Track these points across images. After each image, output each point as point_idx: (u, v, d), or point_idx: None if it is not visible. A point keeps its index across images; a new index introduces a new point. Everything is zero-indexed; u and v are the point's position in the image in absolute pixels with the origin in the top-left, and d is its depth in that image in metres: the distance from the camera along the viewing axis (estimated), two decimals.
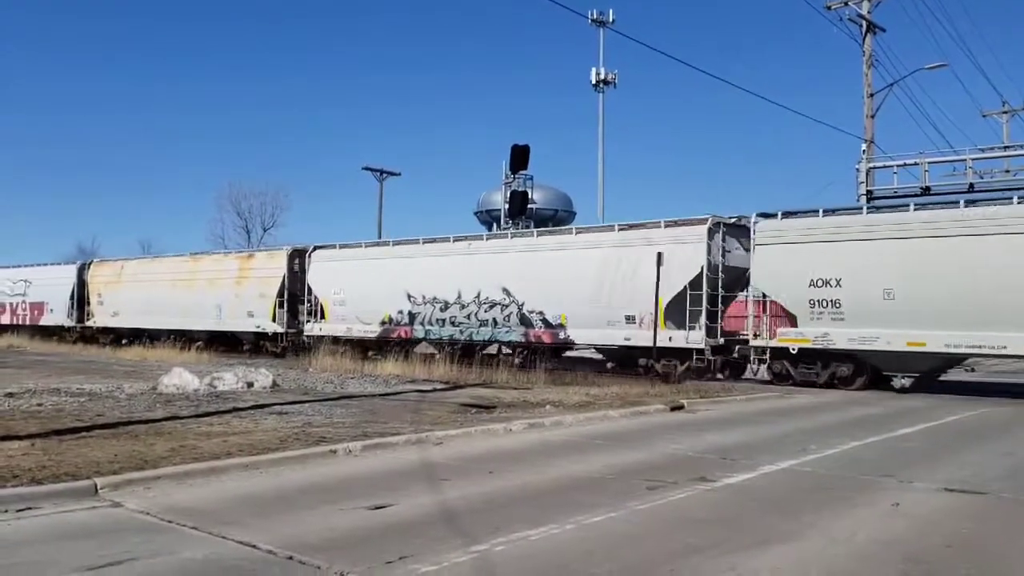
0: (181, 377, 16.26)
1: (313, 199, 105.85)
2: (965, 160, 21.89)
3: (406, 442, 10.49)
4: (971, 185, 21.07)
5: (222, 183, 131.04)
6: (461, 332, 26.31)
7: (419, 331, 27.47)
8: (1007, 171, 21.63)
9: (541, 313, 24.47)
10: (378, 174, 51.54)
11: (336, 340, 29.54)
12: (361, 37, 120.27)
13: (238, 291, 33.45)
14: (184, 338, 32.45)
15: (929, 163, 21.93)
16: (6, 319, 45.99)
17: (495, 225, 38.56)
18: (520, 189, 27.93)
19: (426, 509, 7.08)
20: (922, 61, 30.42)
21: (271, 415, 12.66)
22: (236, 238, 63.95)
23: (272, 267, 32.56)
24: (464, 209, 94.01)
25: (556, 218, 56.71)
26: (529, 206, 29.90)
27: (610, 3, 40.65)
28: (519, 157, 25.91)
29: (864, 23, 29.03)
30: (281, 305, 31.66)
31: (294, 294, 31.77)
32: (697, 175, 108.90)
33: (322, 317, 30.77)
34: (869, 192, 22.28)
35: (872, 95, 28.37)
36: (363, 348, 28.86)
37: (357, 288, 29.54)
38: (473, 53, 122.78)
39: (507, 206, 28.34)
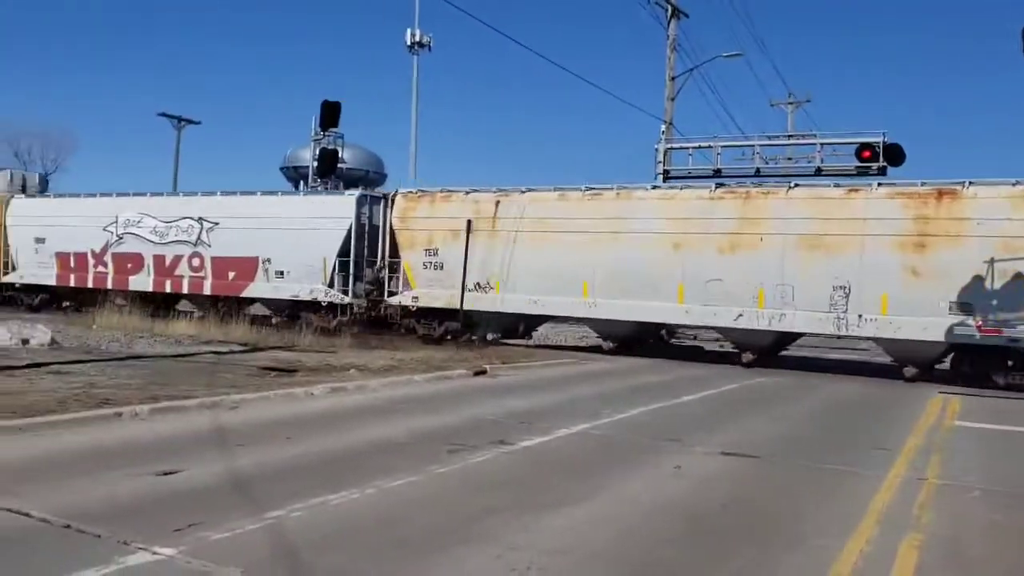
0: None
1: (103, 146, 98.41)
2: (754, 146, 23.40)
3: (199, 406, 10.05)
4: (758, 169, 22.55)
5: None
6: None
7: None
8: (789, 158, 23.32)
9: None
10: (175, 121, 48.87)
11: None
12: None
13: None
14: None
15: (722, 147, 23.25)
16: (159, 282, 26.09)
17: (302, 183, 37.22)
18: (330, 147, 27.08)
19: (218, 476, 6.83)
20: (721, 50, 32.11)
21: (49, 374, 11.77)
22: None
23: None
24: (270, 165, 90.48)
25: (367, 179, 55.81)
26: (339, 165, 29.04)
27: None
28: (330, 113, 25.09)
29: (669, 7, 30.28)
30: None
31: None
32: (512, 145, 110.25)
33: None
34: (666, 172, 23.41)
35: (674, 78, 29.75)
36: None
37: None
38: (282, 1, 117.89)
39: (316, 164, 27.38)
